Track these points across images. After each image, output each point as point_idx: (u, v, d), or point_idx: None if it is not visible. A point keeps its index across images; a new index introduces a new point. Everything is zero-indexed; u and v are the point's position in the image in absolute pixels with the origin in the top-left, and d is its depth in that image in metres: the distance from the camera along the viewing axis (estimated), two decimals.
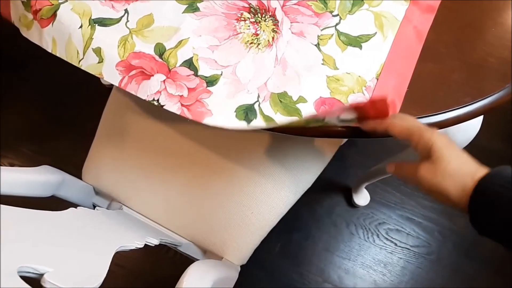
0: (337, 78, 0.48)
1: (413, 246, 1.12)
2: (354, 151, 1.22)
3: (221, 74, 0.49)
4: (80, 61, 0.50)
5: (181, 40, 0.50)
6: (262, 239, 0.68)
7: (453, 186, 0.36)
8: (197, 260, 0.62)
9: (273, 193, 0.67)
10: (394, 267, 1.10)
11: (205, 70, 0.49)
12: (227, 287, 0.60)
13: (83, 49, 0.50)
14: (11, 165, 1.22)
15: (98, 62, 0.50)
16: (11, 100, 1.31)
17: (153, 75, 0.49)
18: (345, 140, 0.86)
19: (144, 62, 0.49)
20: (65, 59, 0.51)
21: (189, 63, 0.49)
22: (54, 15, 0.51)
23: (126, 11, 0.52)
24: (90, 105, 1.22)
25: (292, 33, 0.51)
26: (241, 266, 0.67)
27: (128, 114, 0.72)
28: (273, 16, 0.52)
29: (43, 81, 1.33)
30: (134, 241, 0.51)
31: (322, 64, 0.49)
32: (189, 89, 0.48)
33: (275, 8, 0.52)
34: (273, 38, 0.50)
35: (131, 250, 0.51)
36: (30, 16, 0.53)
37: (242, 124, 0.46)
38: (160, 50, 0.50)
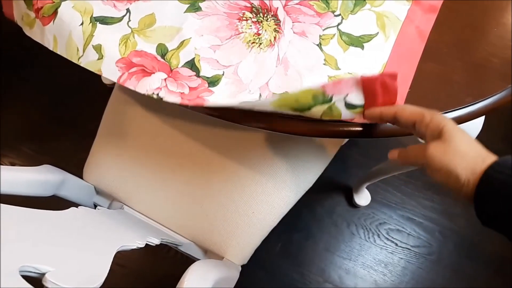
0: (339, 78, 0.48)
1: (414, 246, 1.12)
2: (355, 151, 1.22)
3: (223, 74, 0.49)
4: (79, 58, 0.50)
5: (183, 41, 0.50)
6: (263, 239, 0.68)
7: (463, 166, 0.35)
8: (198, 260, 0.62)
9: (274, 193, 0.67)
10: (394, 267, 1.10)
11: (207, 70, 0.49)
12: (228, 287, 0.60)
13: (83, 46, 0.50)
14: (12, 164, 1.22)
15: (98, 59, 0.50)
16: (11, 100, 1.31)
17: (154, 73, 0.49)
18: (346, 140, 0.86)
19: (145, 61, 0.49)
20: (65, 56, 0.51)
21: (191, 64, 0.49)
22: (55, 13, 0.51)
23: (128, 10, 0.52)
24: (90, 105, 1.23)
25: (294, 33, 0.51)
26: (242, 266, 0.67)
27: (129, 114, 0.72)
28: (275, 15, 0.51)
29: (43, 81, 1.33)
30: (135, 241, 0.51)
31: (324, 64, 0.49)
32: (191, 88, 0.48)
33: (277, 7, 0.52)
34: (275, 38, 0.50)
35: (132, 249, 0.51)
36: (32, 14, 0.53)
37: (247, 103, 0.45)
38: (162, 51, 0.50)
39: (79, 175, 0.69)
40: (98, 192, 0.71)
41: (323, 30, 0.51)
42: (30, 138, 1.25)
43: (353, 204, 1.15)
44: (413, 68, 0.49)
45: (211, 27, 0.51)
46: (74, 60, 0.50)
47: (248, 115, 0.49)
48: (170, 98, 0.47)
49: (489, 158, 0.36)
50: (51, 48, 0.52)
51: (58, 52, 0.52)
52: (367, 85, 0.42)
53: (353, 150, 1.22)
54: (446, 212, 1.15)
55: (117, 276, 1.06)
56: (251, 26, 0.51)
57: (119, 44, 0.50)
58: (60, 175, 0.60)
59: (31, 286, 0.31)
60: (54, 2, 0.51)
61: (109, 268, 0.42)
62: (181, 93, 0.47)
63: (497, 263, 1.09)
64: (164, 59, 0.49)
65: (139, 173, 0.69)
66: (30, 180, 0.54)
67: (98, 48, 0.50)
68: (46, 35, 0.52)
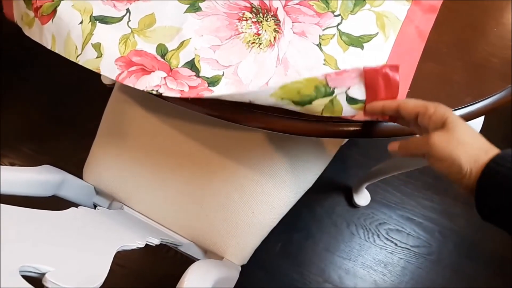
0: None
1: (414, 246, 1.12)
2: (355, 151, 1.22)
3: (223, 75, 0.49)
4: (78, 56, 0.50)
5: (183, 41, 0.50)
6: (262, 239, 0.68)
7: (466, 156, 0.35)
8: (198, 260, 0.62)
9: (273, 193, 0.67)
10: (394, 267, 1.10)
11: (206, 71, 0.49)
12: (227, 287, 0.60)
13: (82, 44, 0.50)
14: (12, 164, 1.22)
15: (97, 57, 0.49)
16: (11, 100, 1.31)
17: (153, 71, 0.49)
18: (346, 140, 0.86)
19: (145, 60, 0.49)
20: (63, 55, 0.51)
21: (191, 65, 0.49)
22: (54, 12, 0.51)
23: (127, 10, 0.52)
24: (90, 104, 1.23)
25: (293, 33, 0.51)
26: (242, 266, 0.67)
27: (129, 114, 0.72)
28: (275, 16, 0.51)
29: (43, 81, 1.33)
30: (135, 241, 0.51)
31: (324, 64, 0.49)
32: (190, 87, 0.48)
33: (277, 8, 0.52)
34: (274, 38, 0.50)
35: (132, 249, 0.51)
36: (32, 14, 0.53)
37: (248, 94, 0.44)
38: (162, 51, 0.50)
39: (79, 175, 0.69)
40: (98, 192, 0.71)
41: (323, 30, 0.51)
42: (30, 138, 1.25)
43: (352, 204, 1.15)
44: (413, 68, 0.49)
45: (211, 27, 0.51)
46: (72, 59, 0.50)
47: (248, 115, 0.49)
48: (170, 94, 0.47)
49: (492, 150, 0.36)
50: (49, 47, 0.52)
51: (56, 51, 0.51)
52: (369, 76, 0.42)
53: (353, 150, 1.22)
54: (446, 212, 1.15)
55: (117, 276, 1.06)
56: (251, 26, 0.51)
57: (119, 43, 0.50)
58: (60, 175, 0.60)
59: (31, 286, 0.31)
60: (53, 1, 0.51)
61: (109, 268, 0.42)
62: (181, 90, 0.47)
63: (497, 263, 1.09)
64: (164, 59, 0.49)
65: (139, 173, 0.69)
66: (30, 180, 0.54)
67: (97, 47, 0.50)
68: (44, 34, 0.52)
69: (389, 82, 0.42)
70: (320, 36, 0.50)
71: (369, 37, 0.50)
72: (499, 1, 0.55)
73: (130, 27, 0.51)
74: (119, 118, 0.72)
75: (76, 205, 0.57)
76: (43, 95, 1.31)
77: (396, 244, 1.12)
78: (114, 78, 0.48)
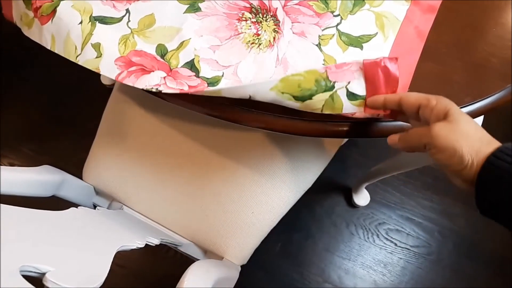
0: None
1: (413, 246, 1.12)
2: (355, 151, 1.22)
3: (222, 75, 0.49)
4: (77, 56, 0.50)
5: (183, 41, 0.50)
6: (262, 239, 0.68)
7: (468, 147, 0.35)
8: (198, 260, 0.62)
9: (273, 193, 0.67)
10: (394, 267, 1.10)
11: (206, 71, 0.49)
12: (227, 287, 0.60)
13: (81, 44, 0.50)
14: (11, 165, 1.22)
15: (96, 57, 0.49)
16: (11, 100, 1.31)
17: (153, 71, 0.49)
18: (345, 140, 0.86)
19: (145, 61, 0.49)
20: (63, 55, 0.51)
21: (191, 65, 0.49)
22: (53, 12, 0.51)
23: (127, 11, 0.52)
24: (90, 105, 1.23)
25: (293, 33, 0.51)
26: (241, 266, 0.67)
27: (128, 114, 0.72)
28: (274, 16, 0.52)
29: (43, 81, 1.33)
30: (135, 241, 0.51)
31: (323, 64, 0.49)
32: (190, 86, 0.48)
33: (276, 8, 0.52)
34: (274, 38, 0.50)
35: (132, 250, 0.51)
36: (31, 14, 0.53)
37: (248, 86, 0.44)
38: (162, 51, 0.50)
39: (79, 175, 0.69)
40: (97, 192, 0.71)
41: (322, 30, 0.51)
42: (30, 138, 1.25)
43: (352, 204, 1.15)
44: (412, 68, 0.49)
45: (211, 27, 0.51)
46: (72, 59, 0.50)
47: (247, 115, 0.49)
48: (170, 91, 0.47)
49: (494, 143, 0.36)
50: (48, 47, 0.52)
51: (56, 51, 0.51)
52: (369, 69, 0.42)
53: (352, 150, 1.22)
54: (446, 212, 1.15)
55: (117, 276, 1.06)
56: (250, 26, 0.51)
57: (119, 44, 0.50)
58: (60, 176, 0.60)
59: (32, 286, 0.31)
60: (53, 1, 0.51)
61: (109, 268, 0.42)
62: (180, 89, 0.47)
63: (497, 263, 1.10)
64: (163, 59, 0.50)
65: (139, 173, 0.69)
66: (29, 180, 0.54)
67: (97, 47, 0.50)
68: (44, 34, 0.52)
69: (388, 75, 0.42)
70: (319, 36, 0.50)
71: (368, 37, 0.50)
72: (499, 1, 0.55)
73: (129, 28, 0.51)
74: (119, 118, 0.72)
75: (76, 205, 0.57)
76: (43, 95, 1.31)
77: (395, 244, 1.12)
78: (114, 78, 0.48)
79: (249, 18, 0.52)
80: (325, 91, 0.43)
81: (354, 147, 1.22)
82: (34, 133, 1.26)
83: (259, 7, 0.52)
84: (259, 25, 0.51)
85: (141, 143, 0.70)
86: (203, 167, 0.68)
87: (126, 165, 0.69)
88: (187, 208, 0.68)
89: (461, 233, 1.13)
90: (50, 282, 0.33)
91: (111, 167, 0.70)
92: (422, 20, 0.52)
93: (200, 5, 0.52)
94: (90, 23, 0.51)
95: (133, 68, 0.49)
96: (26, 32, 0.55)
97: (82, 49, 0.50)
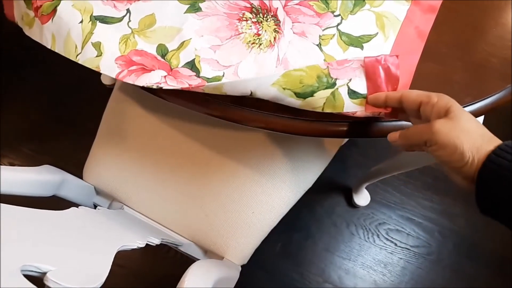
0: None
1: (413, 246, 1.12)
2: (355, 151, 1.22)
3: (223, 75, 0.49)
4: (77, 55, 0.50)
5: (183, 41, 0.50)
6: (262, 239, 0.68)
7: (469, 144, 0.35)
8: (198, 260, 0.62)
9: (273, 193, 0.67)
10: (394, 268, 1.10)
11: (207, 71, 0.49)
12: (228, 287, 0.60)
13: (81, 43, 0.50)
14: (11, 165, 1.22)
15: (97, 56, 0.49)
16: (11, 100, 1.31)
17: (154, 70, 0.49)
18: (346, 140, 0.86)
19: (145, 60, 0.49)
20: (63, 54, 0.51)
21: (191, 65, 0.49)
22: (54, 11, 0.51)
23: (128, 11, 0.52)
24: (90, 104, 1.23)
25: (293, 33, 0.51)
26: (241, 266, 0.67)
27: (129, 114, 0.72)
28: (275, 16, 0.52)
29: (43, 81, 1.33)
30: (136, 241, 0.51)
31: None
32: (190, 85, 0.48)
33: (277, 8, 0.52)
34: (274, 38, 0.50)
35: (132, 249, 0.51)
36: (32, 13, 0.53)
37: (249, 81, 0.43)
38: (163, 51, 0.50)
39: (79, 174, 0.69)
40: (98, 192, 0.71)
41: (323, 30, 0.51)
42: (30, 138, 1.25)
43: (352, 204, 1.15)
44: (413, 68, 0.49)
45: (211, 27, 0.51)
46: (72, 58, 0.50)
47: (248, 115, 0.49)
48: (170, 86, 0.47)
49: (495, 140, 0.36)
50: (49, 47, 0.52)
51: (56, 50, 0.52)
52: (370, 66, 0.42)
53: (352, 150, 1.22)
54: (446, 212, 1.15)
55: (117, 276, 1.06)
56: (251, 26, 0.51)
57: (119, 43, 0.50)
58: (60, 175, 0.60)
59: (33, 286, 0.31)
60: (53, 0, 0.51)
61: (110, 268, 0.42)
62: (181, 87, 0.47)
63: (497, 263, 1.10)
64: (164, 59, 0.50)
65: (139, 173, 0.69)
66: (30, 180, 0.54)
67: (97, 46, 0.50)
68: (44, 34, 0.52)
69: (389, 72, 0.42)
70: (320, 36, 0.51)
71: (369, 37, 0.50)
72: (499, 1, 0.55)
73: (130, 27, 0.51)
74: (119, 118, 0.72)
75: (76, 205, 0.57)
76: (43, 95, 1.31)
77: (396, 244, 1.12)
78: (114, 76, 0.48)
79: (250, 18, 0.52)
80: (326, 88, 0.43)
81: (355, 147, 1.23)
82: (34, 133, 1.26)
83: (259, 7, 0.52)
84: (259, 25, 0.51)
85: (141, 143, 0.70)
86: (204, 167, 0.68)
87: (127, 165, 0.69)
88: (188, 208, 0.68)
89: (461, 233, 1.13)
90: (51, 281, 0.33)
91: (111, 167, 0.70)
92: (422, 20, 0.52)
93: (201, 5, 0.52)
94: (90, 22, 0.51)
95: (134, 67, 0.49)
96: (27, 31, 0.55)
97: (82, 48, 0.50)
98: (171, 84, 0.47)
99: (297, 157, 0.68)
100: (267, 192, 0.67)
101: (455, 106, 0.37)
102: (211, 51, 0.50)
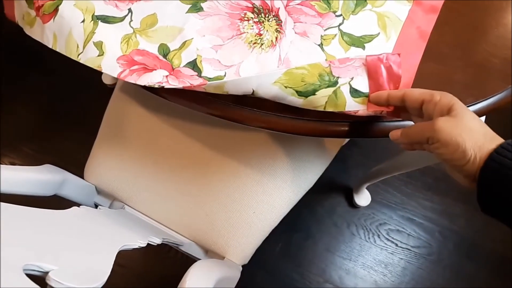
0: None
1: (414, 247, 1.12)
2: (356, 151, 1.22)
3: (225, 75, 0.49)
4: (79, 54, 0.50)
5: (185, 41, 0.50)
6: (263, 239, 0.68)
7: (471, 141, 0.35)
8: (199, 259, 0.62)
9: (274, 193, 0.67)
10: (395, 268, 1.10)
11: (208, 71, 0.49)
12: (229, 287, 0.60)
13: (83, 42, 0.50)
14: (12, 164, 1.22)
15: (98, 55, 0.49)
16: (12, 99, 1.31)
17: (155, 70, 0.49)
18: (346, 140, 0.86)
19: (147, 60, 0.49)
20: (64, 53, 0.51)
21: (193, 65, 0.49)
22: (55, 10, 0.51)
23: (129, 10, 0.52)
24: (91, 104, 1.23)
25: (295, 33, 0.51)
26: (242, 266, 0.67)
27: (130, 113, 0.72)
28: (277, 16, 0.52)
29: (43, 81, 1.33)
30: (137, 240, 0.51)
31: None
32: (192, 84, 0.48)
33: (279, 8, 0.52)
34: (276, 38, 0.50)
35: (133, 249, 0.51)
36: (33, 13, 0.53)
37: (249, 78, 0.44)
38: (164, 51, 0.50)
39: (80, 174, 0.69)
40: (99, 192, 0.71)
41: (325, 30, 0.51)
42: (30, 138, 1.25)
43: (353, 205, 1.15)
44: (414, 69, 0.49)
45: (213, 27, 0.51)
46: (73, 57, 0.50)
47: (249, 114, 0.49)
48: (171, 86, 0.47)
49: (498, 139, 0.36)
50: (50, 46, 0.52)
51: (58, 50, 0.52)
52: (371, 65, 0.42)
53: (353, 150, 1.22)
54: (446, 212, 1.15)
55: (118, 275, 1.06)
56: (252, 26, 0.51)
57: (121, 43, 0.50)
58: (61, 175, 0.60)
59: (36, 285, 0.31)
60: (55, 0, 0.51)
61: (111, 268, 0.42)
62: (183, 86, 0.48)
63: (497, 263, 1.10)
64: (166, 59, 0.50)
65: (140, 173, 0.69)
66: (31, 179, 0.54)
67: (99, 45, 0.50)
68: (45, 33, 0.52)
69: (391, 71, 0.42)
70: (321, 36, 0.51)
71: (370, 37, 0.50)
72: (500, 2, 0.55)
73: (132, 27, 0.51)
74: (121, 117, 0.72)
75: (77, 204, 0.57)
76: (44, 94, 1.31)
77: (396, 245, 1.12)
78: (116, 76, 0.48)
79: (251, 18, 0.52)
80: (328, 86, 0.43)
81: (355, 147, 1.23)
82: (34, 133, 1.26)
83: (261, 7, 0.52)
84: (261, 25, 0.51)
85: (142, 142, 0.70)
86: (205, 166, 0.68)
87: (128, 165, 0.69)
88: (189, 207, 0.68)
89: (462, 233, 1.13)
90: (53, 281, 0.33)
91: (112, 166, 0.70)
92: (424, 21, 0.52)
93: (202, 5, 0.52)
94: (92, 21, 0.51)
95: (135, 67, 0.49)
96: (28, 31, 0.55)
97: (84, 48, 0.50)
98: (173, 83, 0.47)
99: (298, 157, 0.68)
100: (268, 192, 0.67)
101: (458, 104, 0.37)
102: (212, 51, 0.50)
